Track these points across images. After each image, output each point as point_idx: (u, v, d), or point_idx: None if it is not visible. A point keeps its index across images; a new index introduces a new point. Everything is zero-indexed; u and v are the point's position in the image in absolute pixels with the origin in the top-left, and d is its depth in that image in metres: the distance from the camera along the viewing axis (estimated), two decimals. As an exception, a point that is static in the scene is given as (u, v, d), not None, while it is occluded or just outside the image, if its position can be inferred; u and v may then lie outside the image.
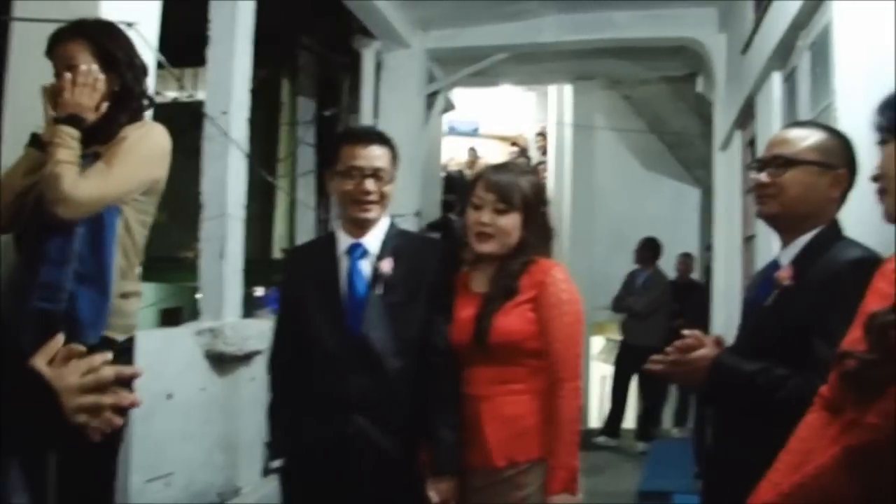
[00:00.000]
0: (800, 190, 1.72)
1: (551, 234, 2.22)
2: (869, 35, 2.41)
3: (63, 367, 1.24)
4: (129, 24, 2.34)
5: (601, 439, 6.82)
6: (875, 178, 1.31)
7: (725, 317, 5.59)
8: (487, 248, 2.12)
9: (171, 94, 4.99)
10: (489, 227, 2.10)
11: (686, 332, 1.78)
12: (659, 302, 7.06)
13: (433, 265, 2.21)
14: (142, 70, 2.18)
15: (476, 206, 2.13)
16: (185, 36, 3.81)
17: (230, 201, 3.63)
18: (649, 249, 7.29)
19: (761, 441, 1.41)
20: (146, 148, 2.07)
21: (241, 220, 3.71)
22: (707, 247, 7.54)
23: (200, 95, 4.04)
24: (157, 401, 3.06)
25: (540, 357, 2.08)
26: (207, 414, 3.43)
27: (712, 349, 1.74)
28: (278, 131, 6.95)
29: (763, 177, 1.77)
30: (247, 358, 3.57)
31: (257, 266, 6.02)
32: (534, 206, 2.14)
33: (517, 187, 2.11)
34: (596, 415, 7.30)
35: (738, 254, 5.50)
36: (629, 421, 7.41)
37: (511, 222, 2.11)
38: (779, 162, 1.74)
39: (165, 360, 3.16)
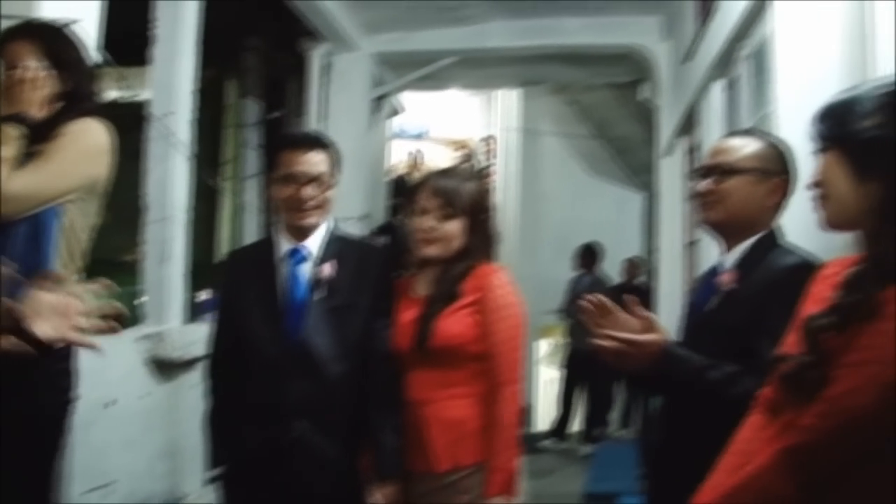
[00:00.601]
0: (740, 197, 1.77)
1: (495, 240, 2.24)
2: (807, 46, 2.48)
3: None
4: (70, 22, 2.28)
5: (548, 442, 6.90)
6: (811, 187, 1.34)
7: (669, 321, 5.67)
8: (431, 252, 2.13)
9: (113, 94, 4.88)
10: (433, 232, 2.11)
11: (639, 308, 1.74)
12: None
13: (374, 269, 2.21)
14: (91, 70, 2.13)
15: (420, 211, 2.13)
16: (130, 34, 3.74)
17: (174, 204, 3.57)
18: (588, 255, 7.38)
19: (706, 440, 1.43)
20: (83, 144, 2.00)
21: (184, 224, 3.65)
22: (650, 251, 7.68)
23: (144, 95, 3.96)
24: (97, 408, 2.99)
25: (482, 361, 2.09)
26: (150, 421, 3.37)
27: (662, 336, 1.71)
28: (224, 133, 6.84)
29: (705, 185, 1.82)
30: (190, 364, 3.51)
31: (202, 270, 5.92)
32: (478, 212, 2.16)
33: (461, 193, 2.13)
34: (542, 418, 7.36)
35: (680, 258, 5.60)
36: (576, 424, 7.50)
37: (455, 228, 2.12)
38: (719, 170, 1.79)
39: (106, 367, 3.07)
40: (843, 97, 1.28)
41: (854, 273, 1.22)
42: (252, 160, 6.88)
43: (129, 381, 3.25)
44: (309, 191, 2.13)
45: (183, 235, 3.64)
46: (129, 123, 3.80)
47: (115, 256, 5.42)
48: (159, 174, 3.56)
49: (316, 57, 5.94)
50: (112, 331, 1.44)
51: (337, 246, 2.21)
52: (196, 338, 3.53)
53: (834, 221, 1.30)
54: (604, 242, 8.19)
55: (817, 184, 1.31)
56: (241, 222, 6.88)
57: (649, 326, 1.71)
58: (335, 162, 2.21)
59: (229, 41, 6.32)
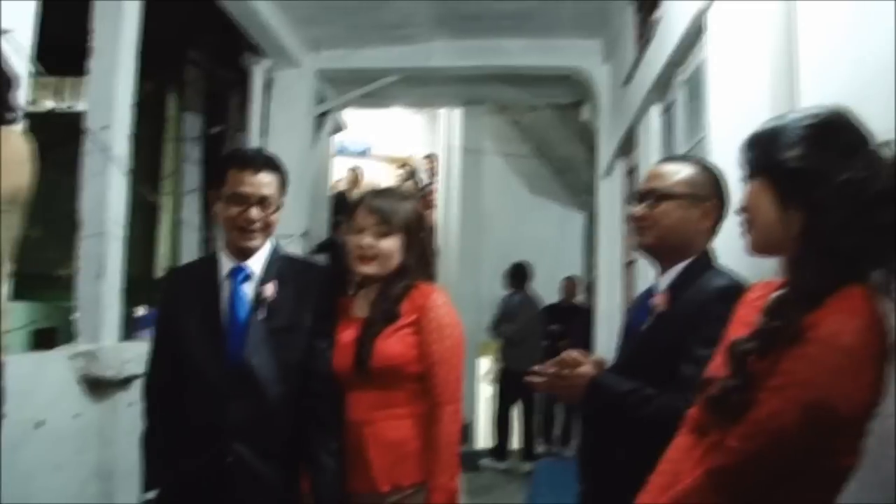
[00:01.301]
0: (672, 222, 1.83)
1: (433, 258, 2.25)
2: (738, 74, 2.56)
3: None
4: (2, 32, 2.23)
5: (487, 461, 6.90)
6: (738, 212, 1.40)
7: (607, 339, 5.77)
8: (368, 270, 2.14)
9: (48, 105, 4.76)
10: (370, 249, 2.12)
11: (568, 350, 1.85)
12: (530, 326, 7.19)
13: (316, 290, 2.20)
14: (10, 79, 2.07)
15: (358, 229, 2.14)
16: (67, 44, 3.66)
17: (110, 219, 3.48)
18: (518, 274, 7.42)
19: (632, 460, 1.47)
20: (2, 154, 1.95)
21: (121, 239, 3.56)
22: (591, 270, 7.78)
23: (81, 106, 3.88)
24: (26, 429, 2.89)
25: (421, 381, 2.11)
26: (82, 442, 3.27)
27: (592, 368, 1.80)
28: (163, 147, 6.73)
29: (638, 210, 1.87)
30: (126, 382, 3.42)
31: (140, 286, 5.79)
32: (415, 230, 2.18)
33: (398, 211, 2.15)
34: (483, 436, 7.38)
35: (619, 278, 5.69)
36: (516, 442, 7.53)
37: (392, 245, 2.14)
38: (653, 195, 1.85)
39: (36, 386, 2.99)
40: (769, 127, 1.33)
41: (777, 299, 1.27)
42: (192, 175, 6.78)
43: (60, 400, 3.15)
44: (256, 212, 2.11)
45: (119, 251, 3.56)
46: (65, 136, 3.73)
47: (48, 270, 5.28)
48: (95, 188, 3.48)
49: (258, 72, 5.90)
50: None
51: (279, 266, 2.20)
52: (132, 355, 3.44)
53: (759, 247, 1.36)
54: (545, 261, 8.28)
55: (744, 209, 1.37)
56: (180, 238, 6.77)
57: (581, 361, 1.82)
58: (283, 184, 2.19)
59: (170, 54, 6.24)
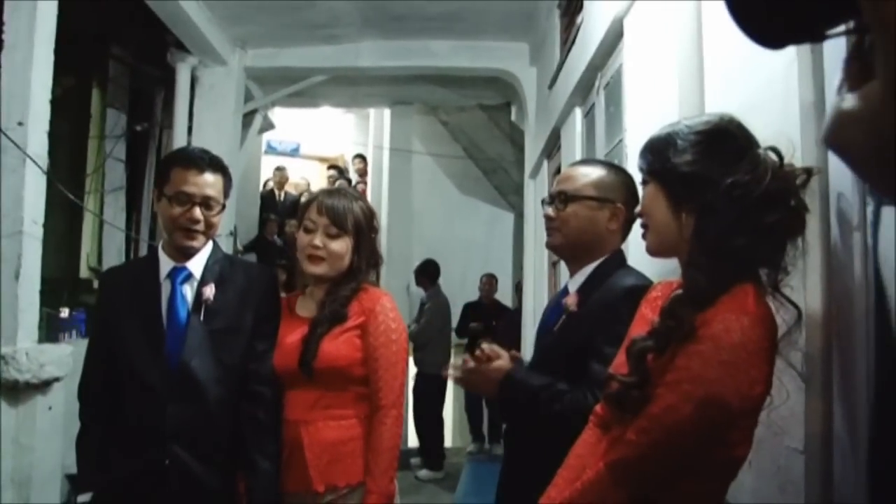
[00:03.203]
0: (579, 223, 1.88)
1: (379, 261, 2.27)
2: (653, 79, 2.63)
3: None
4: None
5: (423, 473, 6.77)
6: (637, 215, 1.47)
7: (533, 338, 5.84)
8: (318, 270, 2.14)
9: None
10: (321, 250, 2.13)
11: (484, 345, 1.87)
12: (434, 327, 7.08)
13: (258, 291, 2.19)
14: None
15: (308, 229, 2.15)
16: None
17: (27, 218, 3.38)
18: (425, 272, 7.38)
19: (545, 454, 1.52)
20: None
21: (38, 239, 3.47)
22: (520, 269, 7.82)
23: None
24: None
25: (364, 384, 2.12)
26: (-4, 447, 3.18)
27: (507, 363, 1.83)
28: (87, 144, 6.56)
29: (549, 211, 1.93)
30: (44, 385, 3.33)
31: (62, 286, 5.64)
32: (365, 232, 2.19)
33: (350, 212, 2.16)
34: (411, 435, 7.36)
35: (545, 277, 5.78)
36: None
37: (343, 246, 2.15)
38: (562, 197, 1.90)
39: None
40: (662, 133, 1.40)
41: (672, 299, 1.33)
42: (116, 173, 6.63)
43: (-27, 404, 3.06)
44: (198, 213, 2.10)
45: (37, 251, 3.46)
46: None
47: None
48: (11, 187, 3.37)
49: (184, 69, 5.81)
50: None
51: (220, 267, 2.19)
52: (50, 358, 3.36)
53: (655, 249, 1.43)
54: (475, 261, 8.34)
55: (641, 213, 1.44)
56: (105, 237, 6.62)
57: (497, 355, 1.84)
58: (227, 186, 2.19)
59: (93, 49, 6.10)
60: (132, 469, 2.03)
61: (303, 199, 2.60)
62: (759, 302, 1.25)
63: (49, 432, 3.32)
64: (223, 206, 2.18)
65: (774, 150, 1.30)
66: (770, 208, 1.26)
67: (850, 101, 0.84)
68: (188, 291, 2.15)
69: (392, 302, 2.20)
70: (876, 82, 0.76)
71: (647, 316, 1.42)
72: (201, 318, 2.11)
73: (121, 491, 2.05)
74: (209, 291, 2.13)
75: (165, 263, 2.17)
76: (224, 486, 2.08)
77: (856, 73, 0.89)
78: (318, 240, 2.14)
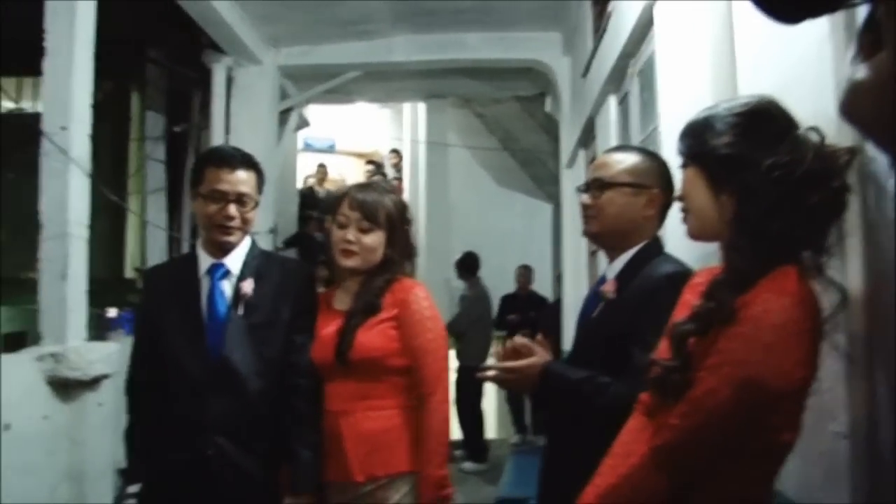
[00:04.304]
0: (616, 210, 1.86)
1: (414, 252, 2.29)
2: (685, 64, 2.61)
3: None
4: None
5: (467, 465, 6.79)
6: (677, 200, 1.45)
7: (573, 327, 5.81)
8: (351, 264, 2.17)
9: (7, 106, 4.72)
10: (354, 244, 2.15)
11: (517, 338, 1.87)
12: (473, 318, 7.07)
13: (295, 285, 2.24)
14: None
15: (341, 224, 2.17)
16: (25, 43, 3.63)
17: (72, 220, 3.47)
18: (465, 264, 7.36)
19: (588, 445, 1.51)
20: None
21: (84, 240, 3.55)
22: (559, 260, 7.78)
23: (40, 107, 3.85)
24: (-7, 432, 2.89)
25: (401, 374, 2.14)
26: (51, 444, 3.25)
27: (543, 357, 1.83)
28: (127, 146, 6.69)
29: (585, 199, 1.91)
30: (94, 382, 3.41)
31: (108, 286, 5.75)
32: (397, 225, 2.21)
33: (382, 206, 2.18)
34: (454, 427, 7.37)
35: (584, 268, 5.75)
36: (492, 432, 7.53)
37: (375, 240, 2.17)
38: (598, 184, 1.89)
39: (2, 388, 2.98)
40: (701, 116, 1.38)
41: (714, 282, 1.32)
42: (157, 174, 6.74)
43: (26, 402, 3.13)
44: (233, 209, 2.14)
45: (82, 251, 3.54)
46: (24, 136, 3.70)
47: (14, 274, 5.24)
48: (55, 190, 3.46)
49: (219, 70, 5.87)
50: None
51: (257, 262, 2.23)
52: (98, 356, 3.44)
53: (696, 233, 1.41)
54: (513, 253, 8.30)
55: (681, 197, 1.42)
56: (147, 237, 6.73)
57: (533, 350, 1.83)
58: (260, 182, 2.23)
59: (131, 53, 6.20)
60: (178, 460, 2.09)
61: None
62: (801, 283, 1.23)
63: (100, 428, 3.40)
64: (257, 203, 2.22)
65: (816, 129, 1.28)
66: (811, 189, 1.24)
67: (861, 71, 0.84)
68: (227, 287, 2.20)
69: (425, 291, 2.22)
70: (885, 52, 0.75)
71: (690, 302, 1.40)
72: (240, 312, 2.16)
73: (168, 481, 2.11)
74: (247, 287, 2.17)
75: (204, 260, 2.22)
76: (266, 476, 2.12)
77: (869, 44, 0.88)
78: (350, 234, 2.16)
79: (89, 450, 3.42)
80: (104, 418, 3.41)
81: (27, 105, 5.60)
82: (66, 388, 3.33)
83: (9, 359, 3.39)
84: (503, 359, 1.87)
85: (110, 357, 3.45)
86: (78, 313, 3.52)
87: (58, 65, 3.51)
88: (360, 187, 2.27)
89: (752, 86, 1.86)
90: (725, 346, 1.22)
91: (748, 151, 1.29)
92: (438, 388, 2.15)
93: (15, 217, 4.25)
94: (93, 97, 3.65)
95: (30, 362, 3.24)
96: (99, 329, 4.35)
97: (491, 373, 1.90)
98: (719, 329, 1.25)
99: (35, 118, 3.61)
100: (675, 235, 1.91)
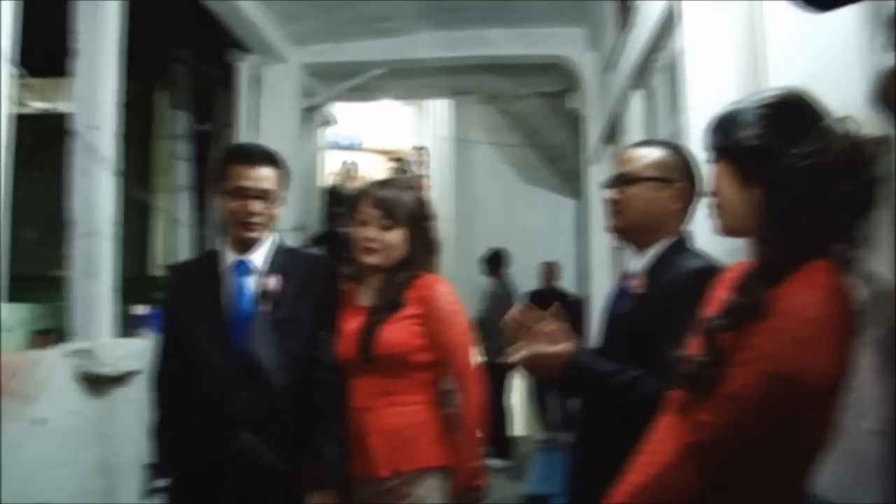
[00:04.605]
0: (641, 205, 1.84)
1: (436, 248, 2.29)
2: (712, 58, 2.58)
3: None
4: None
5: (494, 462, 6.79)
6: (706, 195, 1.43)
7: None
8: (373, 261, 2.18)
9: (36, 106, 4.79)
10: (375, 242, 2.16)
11: (546, 322, 1.81)
12: (498, 316, 7.05)
13: (319, 281, 2.25)
14: None
15: (362, 221, 2.18)
16: (53, 44, 3.68)
17: (100, 218, 3.51)
18: (492, 261, 7.35)
19: (618, 442, 1.48)
20: None
21: (112, 238, 3.60)
22: (583, 256, 7.74)
23: (67, 108, 3.90)
24: (25, 427, 2.93)
25: (425, 370, 2.15)
26: (82, 438, 3.30)
27: (571, 345, 1.79)
28: (154, 145, 6.77)
29: (609, 194, 1.89)
30: (123, 378, 3.46)
31: (136, 284, 5.82)
32: (419, 221, 2.22)
33: (402, 203, 2.18)
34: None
35: (609, 263, 5.72)
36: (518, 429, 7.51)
37: (396, 237, 2.18)
38: (622, 179, 1.88)
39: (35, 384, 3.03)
40: (728, 110, 1.36)
41: (745, 276, 1.29)
42: (184, 172, 6.81)
43: (58, 398, 3.18)
44: (257, 205, 2.16)
45: (111, 249, 3.59)
46: (55, 137, 3.75)
47: (44, 271, 5.32)
48: (84, 189, 3.51)
49: (244, 68, 5.91)
50: None
51: (282, 259, 2.25)
52: (127, 352, 3.49)
53: (727, 228, 1.38)
54: (538, 249, 8.27)
55: (711, 193, 1.40)
56: (175, 235, 6.80)
57: (560, 337, 1.79)
58: (283, 179, 2.24)
59: (156, 53, 6.26)
60: (204, 455, 2.11)
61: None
62: (834, 277, 1.21)
63: (130, 423, 3.43)
64: (281, 199, 2.23)
65: (845, 119, 1.26)
66: (840, 180, 1.21)
67: (891, 58, 0.82)
68: (251, 283, 2.21)
69: (448, 286, 2.23)
70: None
71: (720, 297, 1.38)
72: (265, 308, 2.17)
73: (194, 476, 2.13)
74: (272, 283, 2.19)
75: (229, 257, 2.23)
76: (292, 471, 2.14)
77: None
78: (371, 232, 2.18)
79: (119, 444, 3.46)
80: (133, 414, 3.44)
81: (57, 105, 5.67)
82: (95, 383, 3.37)
83: (41, 355, 3.44)
84: (527, 331, 1.82)
85: (139, 353, 3.49)
86: (107, 310, 3.57)
87: (86, 65, 3.56)
88: (380, 185, 2.28)
89: (782, 78, 1.83)
90: (758, 340, 1.20)
91: (777, 143, 1.26)
92: (473, 380, 2.16)
93: (44, 216, 4.31)
94: (120, 97, 3.69)
95: (61, 358, 3.29)
96: (127, 326, 4.40)
97: (518, 356, 1.84)
98: (751, 324, 1.22)
99: (64, 118, 3.66)
100: (702, 230, 1.90)
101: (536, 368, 1.83)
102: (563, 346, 1.78)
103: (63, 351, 3.34)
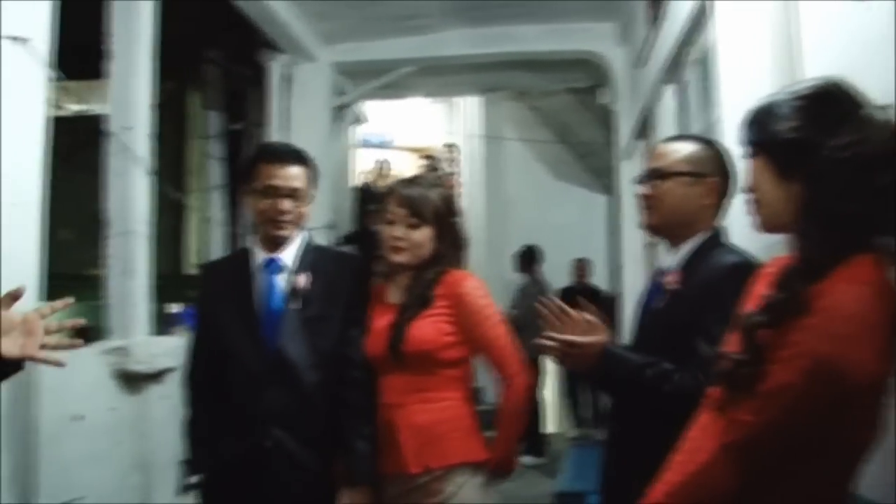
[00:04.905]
0: (674, 200, 1.82)
1: (463, 244, 2.29)
2: (747, 52, 2.55)
3: None
4: (18, 39, 2.31)
5: (526, 459, 6.77)
6: (744, 191, 1.39)
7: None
8: (401, 259, 2.19)
9: (72, 108, 4.87)
10: (402, 241, 2.16)
11: (583, 313, 1.80)
12: (531, 313, 7.02)
13: (348, 279, 2.26)
14: None
15: (389, 220, 2.19)
16: (91, 46, 3.74)
17: (136, 218, 3.57)
18: (525, 257, 7.34)
19: (653, 440, 1.46)
20: None
21: (147, 237, 3.65)
22: (615, 253, 7.69)
23: (102, 109, 3.96)
24: (64, 423, 2.98)
25: (454, 366, 2.16)
26: (118, 434, 3.36)
27: (605, 336, 1.78)
28: (187, 145, 6.85)
29: (642, 190, 1.88)
30: (158, 376, 3.51)
31: (170, 282, 5.90)
32: (445, 218, 2.22)
33: (428, 201, 2.18)
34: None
35: (642, 260, 5.68)
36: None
37: (423, 235, 2.18)
38: (655, 175, 1.85)
39: (72, 381, 3.08)
40: (764, 103, 1.32)
41: (784, 272, 1.25)
42: (216, 172, 6.88)
43: (95, 395, 3.24)
44: (286, 204, 2.17)
45: (146, 248, 3.64)
46: (90, 138, 3.82)
47: (79, 270, 5.41)
48: (119, 189, 3.57)
49: (275, 68, 5.96)
50: (74, 346, 1.47)
51: (311, 256, 2.26)
52: (162, 350, 3.54)
53: (766, 225, 1.34)
54: (570, 246, 8.23)
55: (748, 188, 1.36)
56: (208, 234, 6.88)
57: (594, 328, 1.78)
58: (312, 177, 2.25)
59: (188, 53, 6.34)
60: (236, 451, 2.13)
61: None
62: (877, 272, 1.18)
63: (165, 420, 3.48)
64: (311, 197, 2.24)
65: (885, 108, 1.22)
66: (881, 170, 1.18)
67: None
68: (281, 281, 2.22)
69: (476, 280, 2.23)
70: None
71: (759, 292, 1.33)
72: (295, 306, 2.18)
73: (227, 472, 2.15)
74: (302, 280, 2.20)
75: (259, 255, 2.25)
76: (323, 467, 2.15)
77: None
78: (398, 231, 2.18)
79: (155, 441, 3.51)
80: (168, 410, 3.49)
81: (92, 107, 5.77)
82: (131, 380, 3.43)
83: (78, 353, 3.49)
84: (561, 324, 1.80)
85: (174, 351, 3.54)
86: (142, 309, 3.62)
87: (121, 67, 3.62)
88: (406, 183, 2.29)
89: (818, 68, 1.80)
90: (798, 337, 1.16)
91: (814, 135, 1.22)
92: (517, 368, 2.18)
93: (80, 215, 4.39)
94: (154, 98, 3.74)
95: (97, 356, 3.34)
96: (162, 324, 4.46)
97: (551, 343, 1.81)
98: (791, 320, 1.18)
99: (100, 119, 3.72)
100: (737, 225, 1.87)
101: (569, 357, 1.80)
102: (597, 336, 1.77)
103: (99, 349, 3.40)
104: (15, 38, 2.29)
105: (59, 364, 1.49)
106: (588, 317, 1.79)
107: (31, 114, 2.48)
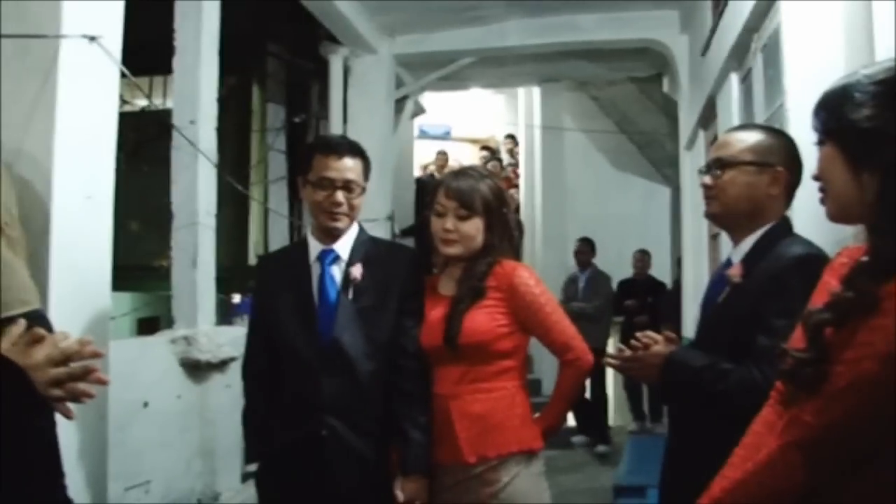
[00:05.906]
0: (738, 190, 1.79)
1: (514, 235, 2.29)
2: (816, 37, 2.48)
3: (28, 348, 1.34)
4: (93, 38, 2.38)
5: (600, 448, 6.80)
6: (814, 179, 1.32)
7: (693, 311, 5.66)
8: (452, 252, 2.20)
9: (140, 104, 5.00)
10: (453, 233, 2.17)
11: (638, 334, 1.86)
12: (608, 303, 7.11)
13: (402, 270, 2.27)
14: None
15: (439, 213, 2.20)
16: (155, 43, 3.84)
17: (201, 210, 3.65)
18: (586, 250, 7.30)
19: (713, 435, 1.45)
20: None
21: (212, 229, 3.73)
22: (678, 244, 7.59)
23: (169, 104, 4.06)
24: (133, 409, 3.08)
25: (509, 357, 2.16)
26: (184, 421, 3.45)
27: (665, 346, 1.80)
28: (249, 138, 6.96)
29: (706, 179, 1.84)
30: (222, 365, 3.59)
31: (233, 273, 6.02)
32: (495, 209, 2.22)
33: (477, 192, 2.18)
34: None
35: (705, 251, 5.58)
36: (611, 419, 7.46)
37: (474, 227, 2.18)
38: (719, 164, 1.82)
39: (140, 369, 3.18)
40: (838, 86, 1.24)
41: (855, 267, 1.19)
42: (278, 164, 6.99)
43: (162, 382, 3.33)
44: (340, 196, 2.20)
45: (211, 240, 3.73)
46: (155, 132, 3.92)
47: (147, 262, 5.57)
48: (185, 181, 3.65)
49: (336, 61, 6.01)
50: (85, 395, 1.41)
51: (365, 247, 2.29)
52: (226, 339, 3.62)
53: (836, 215, 1.28)
54: (631, 237, 8.14)
55: (818, 177, 1.30)
56: (270, 226, 6.99)
57: (653, 340, 1.82)
58: (366, 169, 2.28)
59: (251, 47, 6.44)
60: (293, 440, 2.16)
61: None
62: None
63: (228, 408, 3.56)
64: (364, 189, 2.26)
65: None
66: None
67: None
68: (336, 272, 2.25)
69: (528, 270, 2.23)
70: None
71: (830, 284, 1.27)
72: (350, 296, 2.21)
73: (284, 461, 2.19)
74: (356, 271, 2.22)
75: (315, 247, 2.28)
76: (378, 456, 2.17)
77: None
78: (449, 223, 2.18)
79: (218, 428, 3.60)
80: (231, 399, 3.57)
81: (159, 102, 5.91)
82: (196, 369, 3.51)
83: (146, 341, 3.61)
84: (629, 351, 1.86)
85: (237, 341, 3.61)
86: (207, 299, 3.71)
87: (186, 63, 3.70)
88: (456, 175, 2.29)
89: (892, 50, 1.73)
90: (866, 338, 1.11)
91: (892, 124, 1.15)
92: (582, 348, 2.20)
93: (147, 208, 4.51)
94: (218, 92, 3.82)
95: (164, 345, 3.44)
96: (225, 314, 4.56)
97: (615, 362, 1.88)
98: (860, 319, 1.13)
99: (166, 114, 3.81)
100: (804, 215, 1.82)
101: (633, 372, 1.88)
102: (658, 348, 1.79)
103: (166, 338, 3.49)
104: (90, 38, 2.35)
105: (66, 415, 1.44)
106: (648, 334, 1.84)
107: (104, 110, 2.55)
